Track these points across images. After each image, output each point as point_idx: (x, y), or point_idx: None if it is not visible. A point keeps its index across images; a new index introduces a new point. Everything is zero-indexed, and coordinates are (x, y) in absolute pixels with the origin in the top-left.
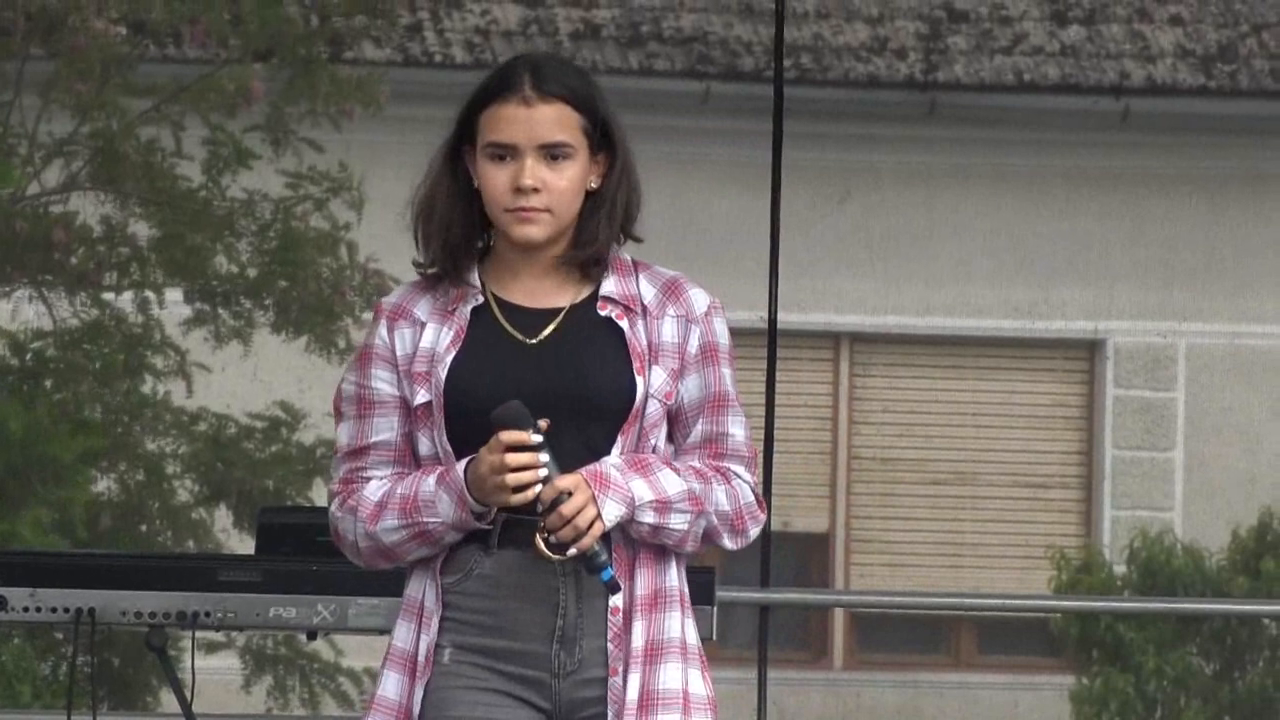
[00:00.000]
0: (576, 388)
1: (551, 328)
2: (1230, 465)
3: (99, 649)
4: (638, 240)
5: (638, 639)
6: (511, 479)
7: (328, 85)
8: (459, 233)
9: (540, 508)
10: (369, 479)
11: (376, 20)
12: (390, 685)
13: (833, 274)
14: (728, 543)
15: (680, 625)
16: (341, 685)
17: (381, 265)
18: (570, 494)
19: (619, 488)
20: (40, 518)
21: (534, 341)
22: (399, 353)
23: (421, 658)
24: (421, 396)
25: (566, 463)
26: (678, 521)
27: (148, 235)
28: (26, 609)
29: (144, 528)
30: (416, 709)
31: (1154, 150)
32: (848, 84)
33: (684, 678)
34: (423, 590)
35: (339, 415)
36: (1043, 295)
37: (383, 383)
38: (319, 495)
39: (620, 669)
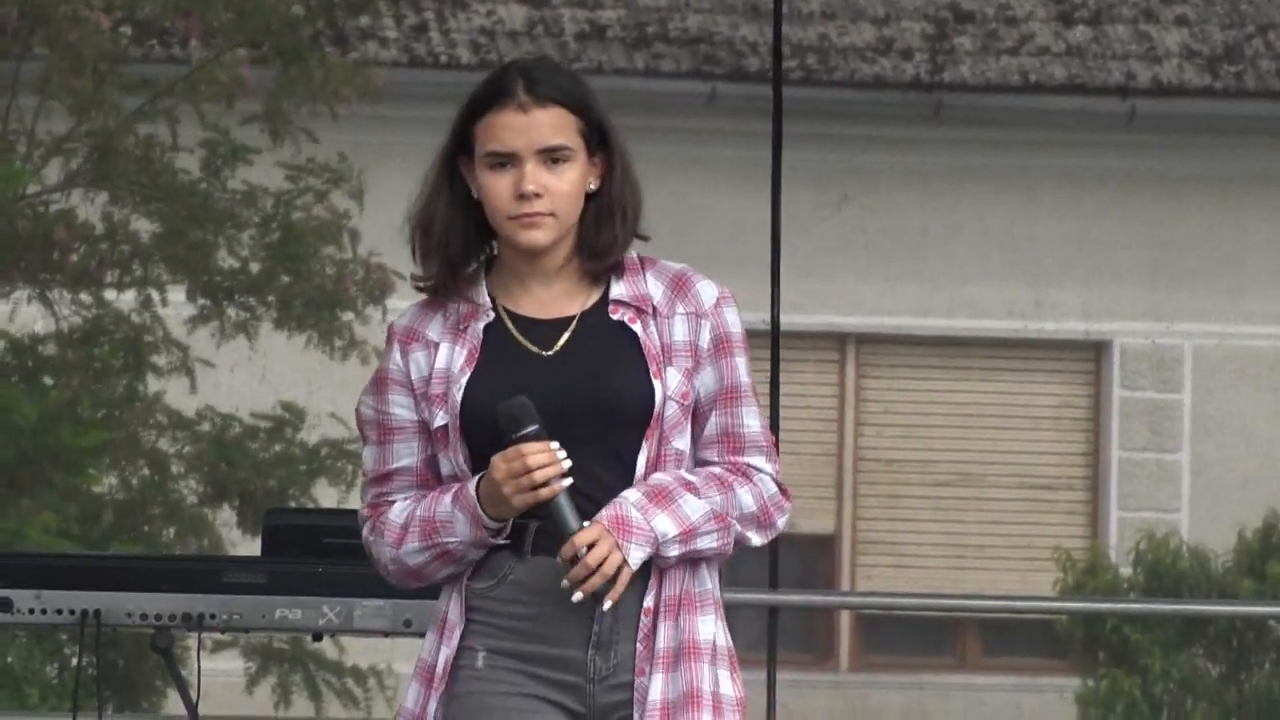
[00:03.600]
0: (596, 396)
1: (565, 338)
2: (1237, 467)
3: (104, 650)
4: (644, 239)
5: (664, 640)
6: (538, 475)
7: (322, 72)
8: (458, 245)
9: (560, 562)
10: (393, 503)
11: (366, 9)
12: (410, 696)
13: (839, 275)
14: (755, 540)
15: (712, 627)
16: (347, 683)
17: (385, 260)
18: (591, 545)
19: (640, 530)
20: (49, 523)
21: (549, 353)
22: (414, 376)
23: (439, 669)
24: (440, 419)
25: (594, 471)
26: (705, 543)
27: (149, 232)
28: (32, 611)
29: (146, 528)
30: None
31: (1161, 151)
32: (853, 85)
33: (714, 679)
34: (448, 603)
35: (363, 438)
36: (1049, 296)
37: (400, 408)
38: (323, 495)
39: (646, 670)
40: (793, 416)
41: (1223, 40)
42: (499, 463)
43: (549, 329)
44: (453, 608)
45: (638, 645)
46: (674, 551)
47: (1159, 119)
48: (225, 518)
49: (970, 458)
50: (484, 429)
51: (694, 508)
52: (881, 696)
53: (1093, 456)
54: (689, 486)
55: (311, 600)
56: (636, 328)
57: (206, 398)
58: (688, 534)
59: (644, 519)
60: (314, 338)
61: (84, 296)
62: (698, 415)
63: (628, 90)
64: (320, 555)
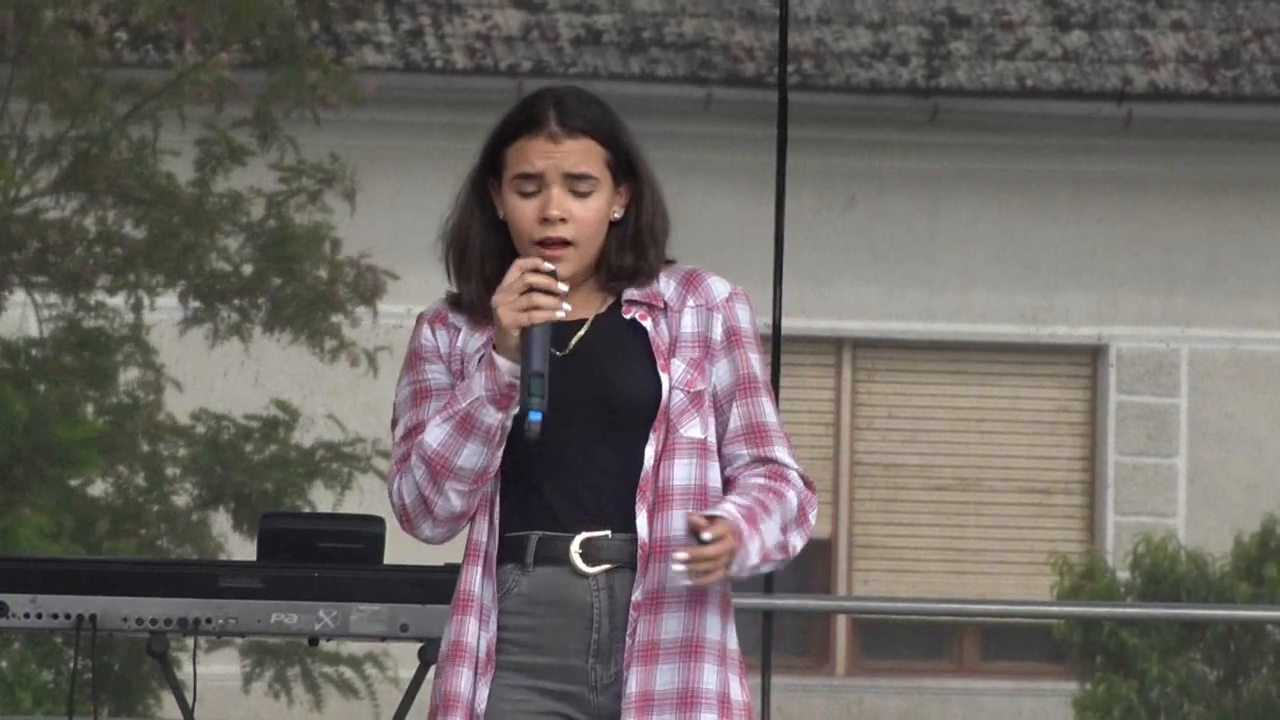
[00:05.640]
0: (603, 393)
1: (578, 337)
2: (1233, 471)
3: (99, 655)
4: (670, 262)
5: (664, 632)
6: (537, 298)
7: (318, 74)
8: (493, 266)
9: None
10: None
11: (362, 13)
12: (462, 680)
13: (836, 280)
14: (798, 543)
15: (720, 628)
16: (344, 673)
17: (375, 261)
18: (714, 537)
19: (746, 550)
20: (41, 525)
21: (562, 353)
22: (443, 350)
23: (483, 654)
24: None
25: (605, 465)
26: (766, 569)
27: (140, 235)
28: (28, 615)
29: (143, 531)
30: (481, 706)
31: (1157, 156)
32: (850, 90)
33: (723, 680)
34: (478, 585)
35: (397, 419)
36: (1046, 301)
37: (436, 373)
38: (319, 498)
39: (632, 663)
40: (791, 420)
41: (1219, 45)
42: (504, 282)
43: (564, 329)
44: (485, 591)
45: (625, 637)
46: (744, 575)
47: (1155, 124)
48: (220, 521)
49: (968, 462)
50: None
51: (771, 535)
52: (878, 701)
53: (1090, 461)
54: (766, 510)
55: (307, 605)
56: (647, 324)
57: (200, 401)
58: (762, 560)
59: (749, 540)
60: (305, 340)
61: (74, 301)
62: (718, 408)
63: (623, 95)
64: (316, 559)
